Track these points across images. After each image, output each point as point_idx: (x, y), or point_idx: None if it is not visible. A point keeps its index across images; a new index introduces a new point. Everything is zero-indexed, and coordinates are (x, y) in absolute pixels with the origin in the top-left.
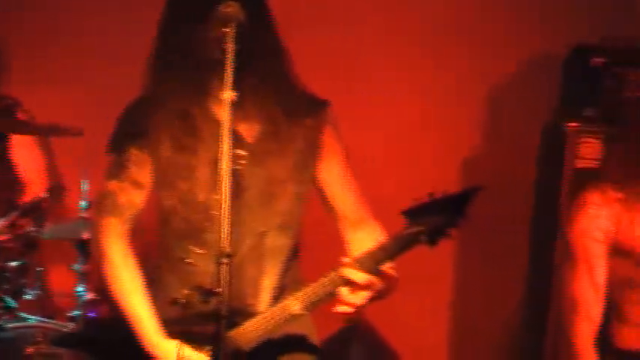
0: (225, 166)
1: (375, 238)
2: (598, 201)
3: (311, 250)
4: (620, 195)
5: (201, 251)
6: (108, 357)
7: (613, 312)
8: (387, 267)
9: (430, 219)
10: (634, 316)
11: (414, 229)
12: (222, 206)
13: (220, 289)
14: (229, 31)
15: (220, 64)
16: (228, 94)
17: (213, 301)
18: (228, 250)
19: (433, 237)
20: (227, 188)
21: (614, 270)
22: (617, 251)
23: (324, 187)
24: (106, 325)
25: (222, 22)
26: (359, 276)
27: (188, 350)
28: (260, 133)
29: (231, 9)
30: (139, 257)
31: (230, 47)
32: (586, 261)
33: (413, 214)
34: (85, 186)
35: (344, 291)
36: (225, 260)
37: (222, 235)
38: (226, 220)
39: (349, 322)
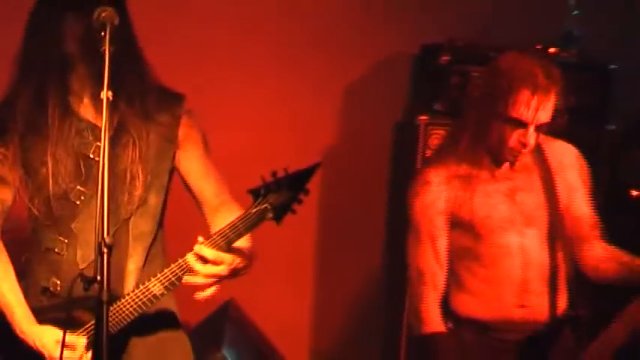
0: (104, 162)
1: None
2: (438, 179)
3: (184, 233)
4: (459, 173)
5: (66, 241)
6: None
7: (453, 281)
8: (243, 244)
9: (275, 196)
10: (471, 285)
11: (261, 207)
12: (102, 199)
13: (99, 277)
14: (106, 34)
15: (81, 60)
16: (105, 93)
17: (93, 288)
18: (108, 240)
19: (279, 213)
20: (105, 182)
21: (454, 241)
22: (457, 224)
23: (185, 174)
24: None
25: (99, 25)
26: (209, 253)
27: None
28: (116, 127)
29: (107, 13)
30: (11, 251)
31: (107, 49)
32: (429, 233)
33: (259, 192)
34: None
35: (198, 268)
36: (105, 250)
37: (103, 226)
38: (105, 211)
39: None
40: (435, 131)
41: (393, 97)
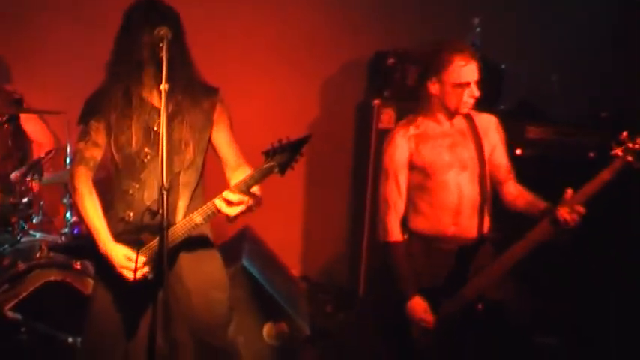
0: (164, 133)
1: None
2: (400, 138)
3: (214, 183)
4: (414, 134)
5: (137, 186)
6: (86, 257)
7: (410, 206)
8: (254, 190)
9: (280, 156)
10: (422, 208)
11: (270, 164)
12: (162, 158)
13: (160, 210)
14: (163, 45)
15: (149, 63)
16: (163, 86)
17: (156, 218)
18: (166, 185)
19: (282, 168)
20: (164, 147)
21: (413, 179)
22: (414, 167)
23: (216, 144)
24: (84, 237)
25: (158, 40)
26: (235, 197)
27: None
28: (172, 109)
29: (164, 31)
30: (99, 192)
31: (165, 56)
32: (394, 173)
33: (269, 154)
34: (69, 148)
35: (231, 198)
36: (164, 192)
37: (163, 176)
38: (164, 167)
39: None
40: (385, 110)
41: (356, 87)
